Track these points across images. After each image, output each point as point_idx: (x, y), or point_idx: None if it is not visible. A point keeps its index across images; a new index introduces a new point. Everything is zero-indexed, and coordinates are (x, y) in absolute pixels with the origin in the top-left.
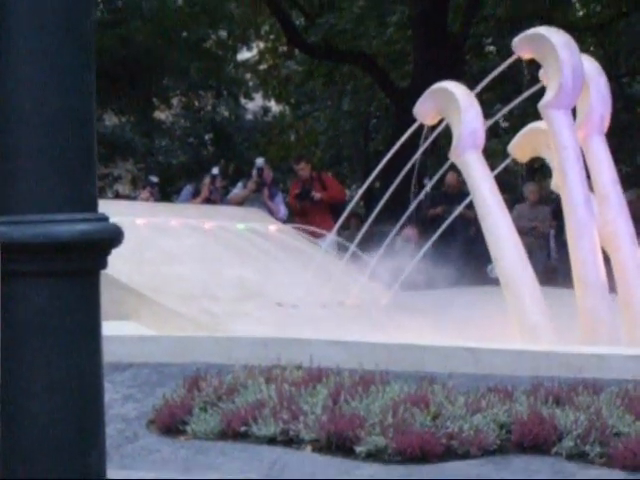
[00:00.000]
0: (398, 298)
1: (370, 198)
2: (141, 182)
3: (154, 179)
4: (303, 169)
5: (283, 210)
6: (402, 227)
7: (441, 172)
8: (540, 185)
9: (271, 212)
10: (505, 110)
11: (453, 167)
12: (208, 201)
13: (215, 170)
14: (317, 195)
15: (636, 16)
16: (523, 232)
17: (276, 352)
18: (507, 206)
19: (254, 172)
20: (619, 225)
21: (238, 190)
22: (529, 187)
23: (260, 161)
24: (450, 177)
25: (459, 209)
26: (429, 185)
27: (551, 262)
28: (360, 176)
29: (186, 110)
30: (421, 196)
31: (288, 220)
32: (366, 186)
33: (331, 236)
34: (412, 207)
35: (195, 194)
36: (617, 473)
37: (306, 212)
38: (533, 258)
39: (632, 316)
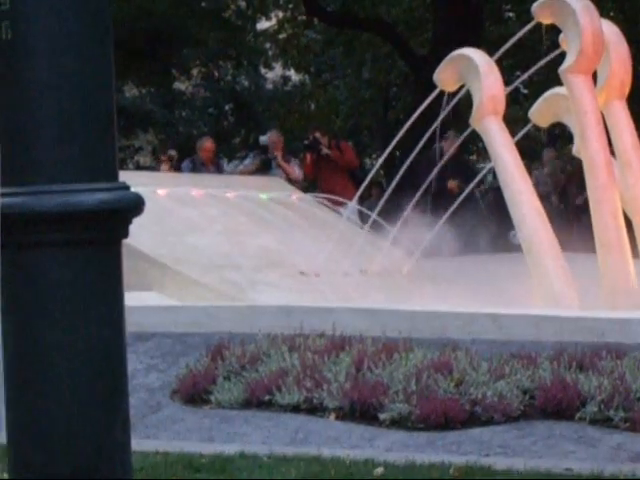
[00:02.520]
0: (420, 266)
1: (391, 167)
2: (161, 154)
3: (172, 152)
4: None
5: (297, 170)
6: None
7: (462, 138)
8: (558, 151)
9: (286, 173)
10: (525, 76)
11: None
12: None
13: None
14: (325, 150)
15: None
16: (542, 198)
17: (299, 320)
18: (528, 172)
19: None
20: None
21: (249, 162)
22: (547, 153)
23: (263, 139)
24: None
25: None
26: (450, 151)
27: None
28: (380, 145)
29: (206, 80)
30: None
31: (308, 190)
32: (386, 155)
33: (352, 205)
34: (433, 175)
35: (194, 168)
36: None
37: (324, 173)
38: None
39: None
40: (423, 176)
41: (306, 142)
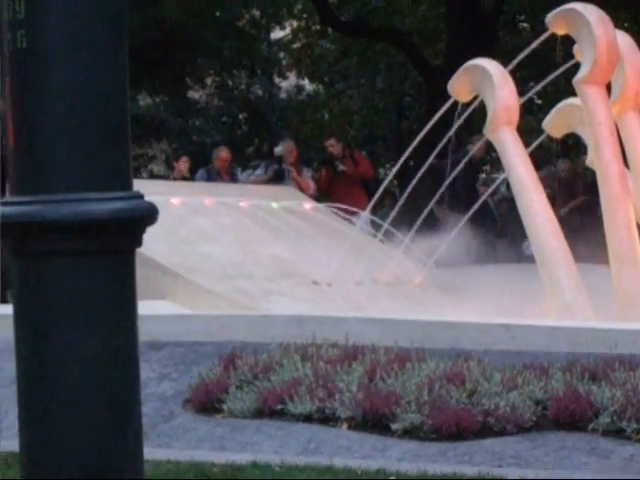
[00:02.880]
0: (433, 275)
1: (404, 176)
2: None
3: (185, 158)
4: (332, 145)
5: (312, 185)
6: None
7: (475, 149)
8: (573, 162)
9: (301, 189)
10: (539, 87)
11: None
12: None
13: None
14: (341, 167)
15: None
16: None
17: (311, 330)
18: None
19: (272, 165)
20: None
21: (260, 172)
22: (562, 164)
23: (278, 150)
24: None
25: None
26: (463, 161)
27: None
28: (394, 154)
29: (220, 89)
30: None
31: (321, 199)
32: (400, 164)
33: (365, 214)
34: (447, 183)
35: (209, 178)
36: None
37: (338, 186)
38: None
39: None
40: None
41: (322, 159)
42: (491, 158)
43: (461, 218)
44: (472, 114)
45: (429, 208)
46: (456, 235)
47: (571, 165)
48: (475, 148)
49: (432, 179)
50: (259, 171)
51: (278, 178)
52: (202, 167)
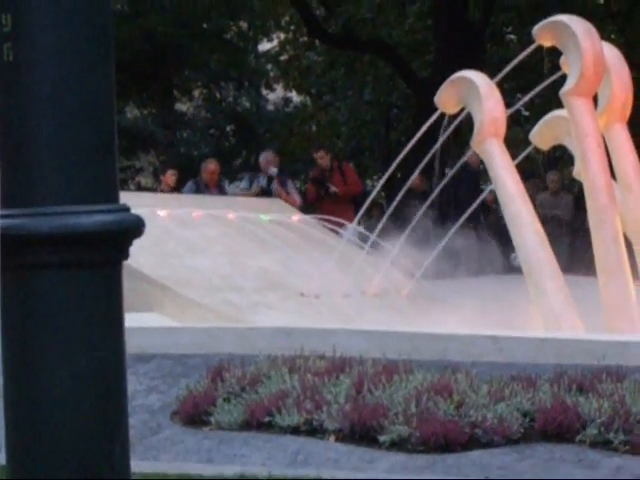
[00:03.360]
0: (420, 287)
1: (391, 188)
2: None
3: (172, 171)
4: (322, 158)
5: (297, 198)
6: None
7: (462, 161)
8: (561, 174)
9: (288, 203)
10: (526, 98)
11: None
12: None
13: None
14: (333, 188)
15: None
16: (545, 220)
17: (299, 342)
18: (528, 194)
19: (263, 179)
20: None
21: (244, 185)
22: (550, 176)
23: (274, 171)
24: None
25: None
26: (450, 174)
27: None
28: (381, 166)
29: (207, 102)
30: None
31: (308, 211)
32: (387, 176)
33: (352, 226)
34: (434, 194)
35: (197, 190)
36: None
37: (327, 203)
38: (555, 246)
39: None
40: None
41: (313, 175)
42: (478, 170)
43: (468, 230)
44: (459, 126)
45: (415, 220)
46: (443, 247)
47: (559, 177)
48: (466, 157)
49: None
50: (243, 184)
51: (264, 194)
52: (190, 179)
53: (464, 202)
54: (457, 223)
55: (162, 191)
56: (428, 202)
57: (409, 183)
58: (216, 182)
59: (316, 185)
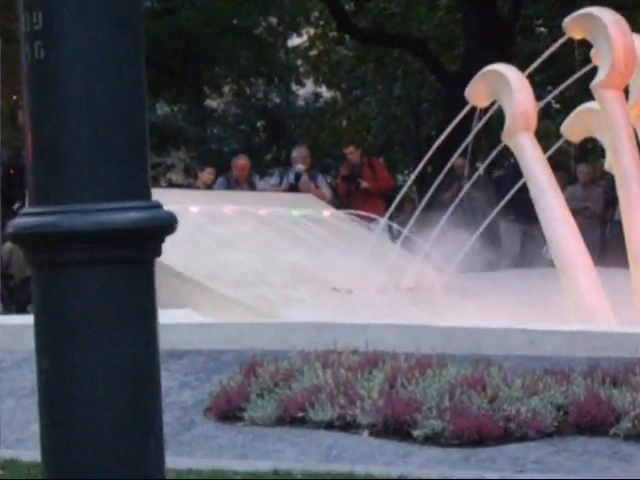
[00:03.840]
0: (453, 281)
1: (422, 183)
2: (194, 170)
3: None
4: (352, 153)
5: (328, 195)
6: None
7: (494, 154)
8: (592, 166)
9: (317, 197)
10: (557, 91)
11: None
12: None
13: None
14: (364, 184)
15: None
16: (575, 213)
17: (332, 337)
18: (560, 187)
19: (291, 175)
20: None
21: (275, 181)
22: (581, 168)
23: (300, 168)
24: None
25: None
26: (482, 167)
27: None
28: (412, 161)
29: (237, 97)
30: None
31: (338, 206)
32: (418, 171)
33: (383, 221)
34: (465, 188)
35: (227, 186)
36: None
37: (357, 198)
38: (586, 238)
39: None
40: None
41: (345, 174)
42: (509, 163)
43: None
44: (490, 120)
45: (448, 214)
46: (475, 240)
47: (590, 169)
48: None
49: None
50: (273, 180)
51: (293, 190)
52: (221, 175)
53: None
54: (491, 215)
55: (198, 188)
56: (459, 197)
57: (449, 164)
58: (246, 178)
59: (347, 182)
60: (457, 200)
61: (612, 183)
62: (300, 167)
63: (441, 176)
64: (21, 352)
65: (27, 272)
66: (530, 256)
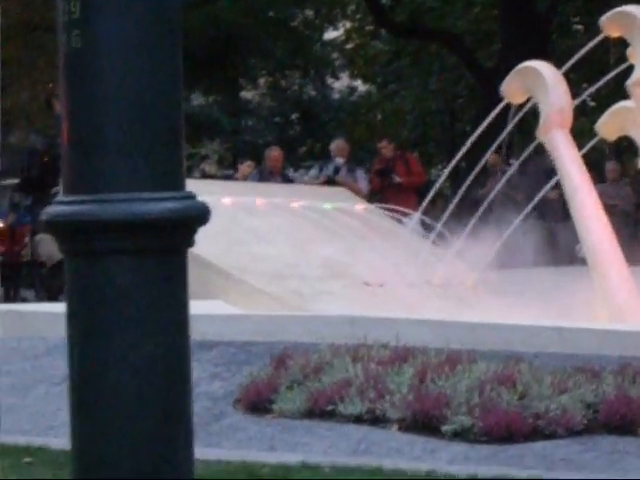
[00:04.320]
0: (485, 277)
1: (456, 178)
2: (227, 162)
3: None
4: (385, 147)
5: (365, 185)
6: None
7: (528, 151)
8: (619, 164)
9: (353, 191)
10: (593, 89)
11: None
12: None
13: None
14: (397, 179)
15: None
16: (605, 210)
17: (363, 331)
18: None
19: (331, 168)
20: None
21: (314, 173)
22: (609, 165)
23: (340, 161)
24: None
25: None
26: (516, 164)
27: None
28: (446, 156)
29: (272, 90)
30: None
31: (371, 200)
32: (452, 166)
33: (417, 216)
34: (500, 184)
35: (261, 178)
36: None
37: (390, 192)
38: (617, 236)
39: None
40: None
41: (378, 167)
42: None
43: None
44: (525, 116)
45: (481, 210)
46: (508, 237)
47: (618, 166)
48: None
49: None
50: (313, 172)
51: (330, 183)
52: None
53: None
54: (522, 213)
55: (237, 180)
56: (493, 193)
57: (483, 161)
58: (280, 169)
59: (380, 176)
60: (491, 196)
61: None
62: (339, 160)
63: (475, 172)
64: (53, 339)
65: (56, 258)
66: (562, 254)
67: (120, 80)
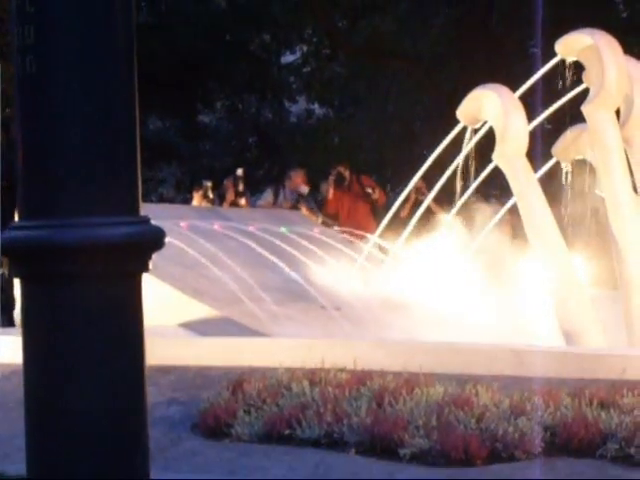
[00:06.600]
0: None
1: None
2: (184, 186)
3: (207, 183)
4: (343, 171)
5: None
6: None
7: (485, 174)
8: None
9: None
10: (549, 112)
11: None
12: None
13: (239, 171)
14: (374, 196)
15: None
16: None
17: (320, 355)
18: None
19: (292, 195)
20: None
21: (266, 198)
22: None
23: (305, 189)
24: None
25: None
26: (472, 187)
27: None
28: (404, 179)
29: (230, 113)
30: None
31: (328, 223)
32: (410, 190)
33: (374, 238)
34: (456, 207)
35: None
36: None
37: (350, 212)
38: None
39: None
40: None
41: (333, 177)
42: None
43: None
44: (482, 140)
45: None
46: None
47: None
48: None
49: None
50: (265, 196)
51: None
52: (215, 191)
53: None
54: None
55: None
56: (451, 215)
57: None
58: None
59: (338, 183)
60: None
61: None
62: (304, 188)
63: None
64: (10, 365)
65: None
66: None
67: (74, 105)
